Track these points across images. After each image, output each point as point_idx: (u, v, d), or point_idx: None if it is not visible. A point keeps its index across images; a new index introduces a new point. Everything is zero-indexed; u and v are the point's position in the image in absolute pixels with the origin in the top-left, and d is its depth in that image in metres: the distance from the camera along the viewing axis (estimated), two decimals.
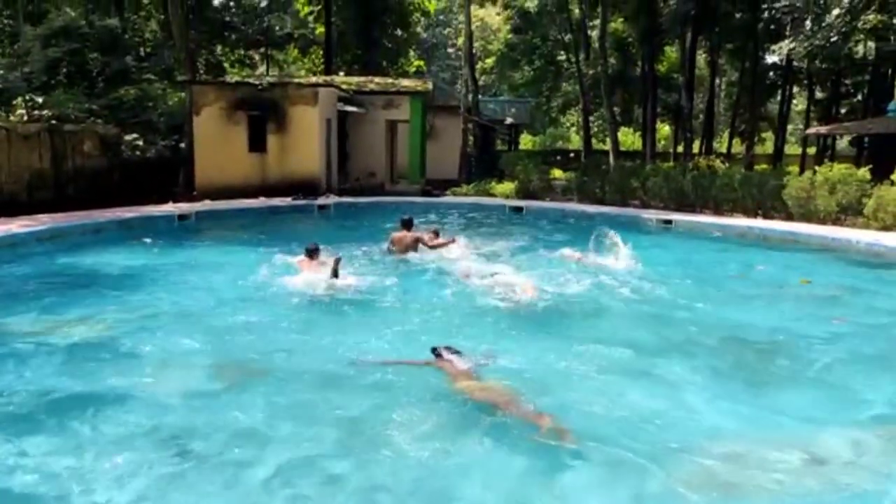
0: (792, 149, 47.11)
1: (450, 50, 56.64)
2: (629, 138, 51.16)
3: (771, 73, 37.74)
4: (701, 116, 39.81)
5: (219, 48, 33.89)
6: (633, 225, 15.72)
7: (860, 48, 33.39)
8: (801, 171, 18.42)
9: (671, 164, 24.35)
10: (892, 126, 22.68)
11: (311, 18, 37.34)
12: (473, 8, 36.01)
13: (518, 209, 17.70)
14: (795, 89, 41.12)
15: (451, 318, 7.90)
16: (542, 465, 4.53)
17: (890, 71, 31.93)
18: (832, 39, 21.60)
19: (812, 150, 34.47)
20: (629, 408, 5.43)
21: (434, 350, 6.08)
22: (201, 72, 28.94)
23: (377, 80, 25.64)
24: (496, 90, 51.10)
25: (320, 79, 24.87)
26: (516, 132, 45.19)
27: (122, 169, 18.92)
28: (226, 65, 34.03)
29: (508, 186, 20.72)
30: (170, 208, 15.40)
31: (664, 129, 49.76)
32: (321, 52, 36.02)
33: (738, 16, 31.38)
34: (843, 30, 21.31)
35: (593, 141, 40.86)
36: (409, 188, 22.46)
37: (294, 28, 35.89)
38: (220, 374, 5.99)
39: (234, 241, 11.54)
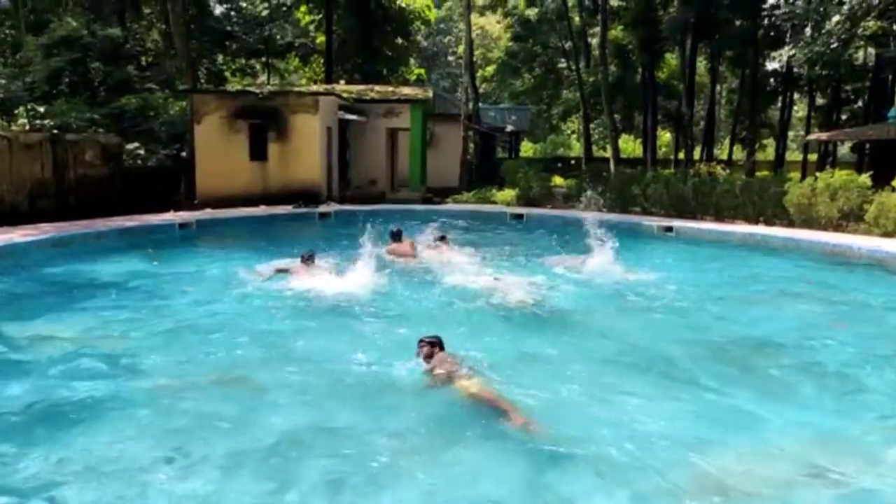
0: (793, 155, 47.18)
1: (450, 58, 56.79)
2: (630, 145, 51.25)
3: (771, 80, 37.78)
4: (702, 123, 39.86)
5: (220, 57, 34.01)
6: (634, 232, 15.71)
7: (860, 54, 33.46)
8: (803, 178, 18.41)
9: (672, 170, 24.39)
10: (893, 132, 22.68)
11: (311, 27, 37.46)
12: (474, 16, 36.15)
13: (519, 216, 17.69)
14: (796, 96, 41.18)
15: (448, 320, 7.93)
16: (539, 471, 4.52)
17: (890, 77, 31.99)
18: (832, 46, 21.66)
19: (813, 157, 34.53)
20: (628, 413, 5.42)
21: (421, 341, 6.04)
22: (202, 81, 29.05)
23: (378, 88, 25.70)
24: (497, 98, 51.21)
25: (321, 87, 24.94)
26: (517, 140, 45.26)
27: (123, 178, 18.97)
28: (227, 74, 34.16)
29: (509, 194, 20.73)
30: (171, 217, 15.41)
31: (665, 136, 49.85)
32: (322, 61, 36.10)
33: (737, 23, 31.45)
34: (843, 36, 21.37)
35: (594, 148, 40.96)
36: (409, 196, 22.47)
37: (295, 37, 36.01)
38: (221, 382, 5.98)
39: (235, 249, 11.54)
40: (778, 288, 10.36)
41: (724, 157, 40.50)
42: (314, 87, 25.06)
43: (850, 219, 15.29)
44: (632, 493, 4.26)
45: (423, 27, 42.53)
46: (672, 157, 39.79)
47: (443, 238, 12.14)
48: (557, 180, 25.86)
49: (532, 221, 17.30)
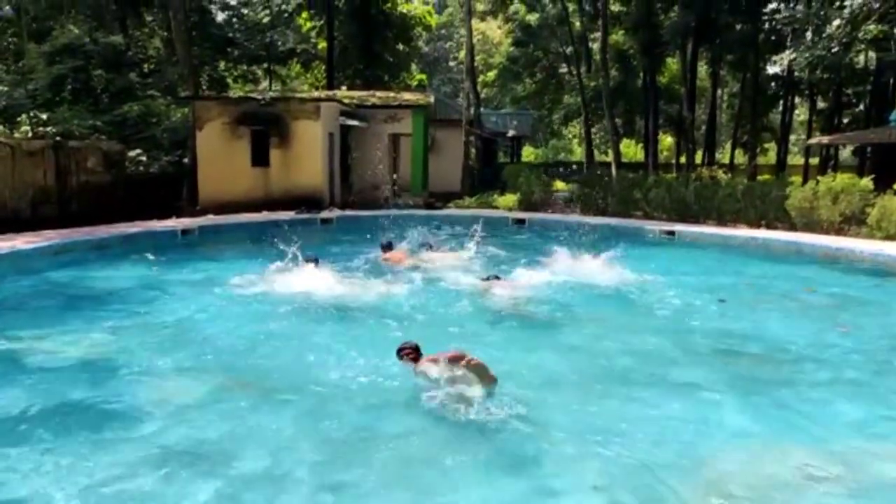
0: (794, 159, 47.22)
1: (451, 63, 56.93)
2: (631, 150, 51.33)
3: (772, 84, 37.86)
4: (703, 127, 39.91)
5: (221, 64, 34.14)
6: (636, 236, 15.71)
7: (861, 58, 33.49)
8: (804, 182, 18.40)
9: (674, 175, 24.38)
10: (894, 136, 22.68)
11: (313, 34, 37.60)
12: (475, 22, 36.24)
13: (521, 221, 17.69)
14: (797, 100, 41.23)
15: (446, 322, 7.98)
16: (542, 472, 4.52)
17: (891, 81, 32.01)
18: (833, 50, 21.69)
19: (815, 161, 34.52)
20: (627, 416, 5.42)
21: (402, 350, 6.03)
22: (204, 87, 29.13)
23: (379, 94, 25.75)
24: (498, 103, 51.31)
25: (322, 93, 25.00)
26: (518, 144, 45.32)
27: (125, 184, 19.01)
28: (228, 80, 34.28)
29: (511, 199, 20.73)
30: (173, 223, 15.42)
31: (666, 140, 49.88)
32: (323, 67, 36.23)
33: (738, 27, 31.53)
34: (844, 40, 21.40)
35: (595, 153, 41.03)
36: (411, 201, 22.49)
37: (296, 43, 36.14)
38: (223, 387, 5.98)
39: (237, 255, 11.55)
40: (780, 292, 10.34)
41: (726, 161, 40.54)
42: (316, 93, 25.12)
43: (851, 222, 15.26)
44: (631, 496, 4.25)
45: (424, 33, 42.71)
46: (674, 161, 39.87)
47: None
48: (559, 185, 25.86)
49: (534, 226, 17.31)
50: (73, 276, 10.57)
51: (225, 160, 19.50)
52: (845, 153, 39.15)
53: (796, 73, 32.14)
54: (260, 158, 19.62)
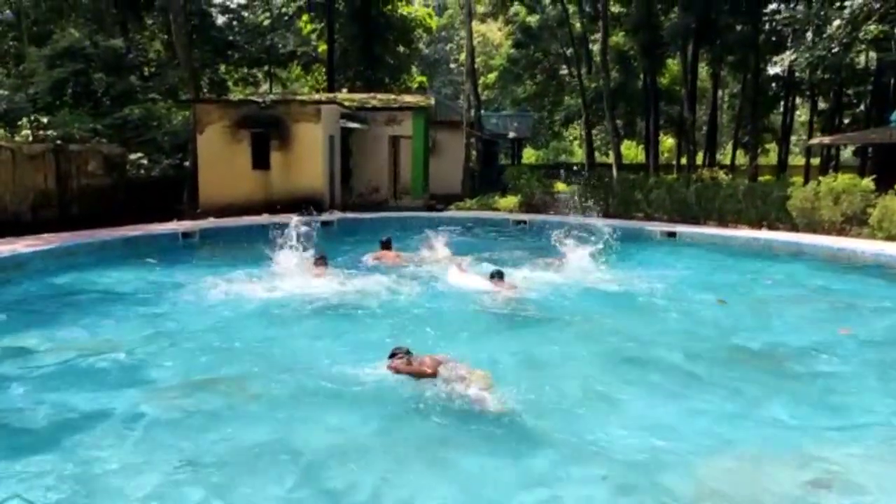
0: (795, 159, 47.19)
1: (452, 65, 56.95)
2: (632, 151, 51.32)
3: (773, 85, 37.83)
4: (704, 128, 39.90)
5: (222, 67, 34.19)
6: (637, 237, 15.69)
7: (861, 58, 33.47)
8: (806, 182, 18.37)
9: (675, 176, 24.36)
10: (895, 136, 22.65)
11: (313, 36, 37.63)
12: (475, 24, 36.26)
13: (522, 222, 17.68)
14: (798, 100, 41.21)
15: (443, 321, 8.04)
16: (534, 476, 4.52)
17: (892, 81, 31.99)
18: (833, 50, 21.67)
19: (816, 161, 34.50)
20: (628, 416, 5.43)
21: (394, 355, 6.01)
22: (205, 90, 29.17)
23: (380, 96, 25.76)
24: (499, 105, 51.32)
25: (323, 96, 25.01)
26: (519, 146, 45.33)
27: (126, 188, 19.01)
28: (229, 83, 34.35)
29: (512, 200, 20.72)
30: (174, 226, 15.40)
31: (667, 142, 49.87)
32: (324, 70, 36.25)
33: (738, 28, 31.52)
34: (845, 41, 21.38)
35: (596, 154, 41.02)
36: (412, 203, 22.48)
37: (297, 46, 36.18)
38: (225, 389, 5.97)
39: (238, 257, 11.55)
40: (781, 292, 10.33)
41: (727, 161, 40.53)
42: (316, 96, 25.14)
43: (853, 223, 15.24)
44: (631, 496, 4.23)
45: (424, 35, 42.71)
46: (674, 162, 39.83)
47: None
48: (560, 186, 25.84)
49: (535, 227, 17.28)
50: (73, 279, 10.55)
51: (226, 163, 19.49)
52: (846, 153, 39.11)
53: (797, 74, 32.15)
54: (260, 161, 19.61)
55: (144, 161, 21.19)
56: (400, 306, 8.73)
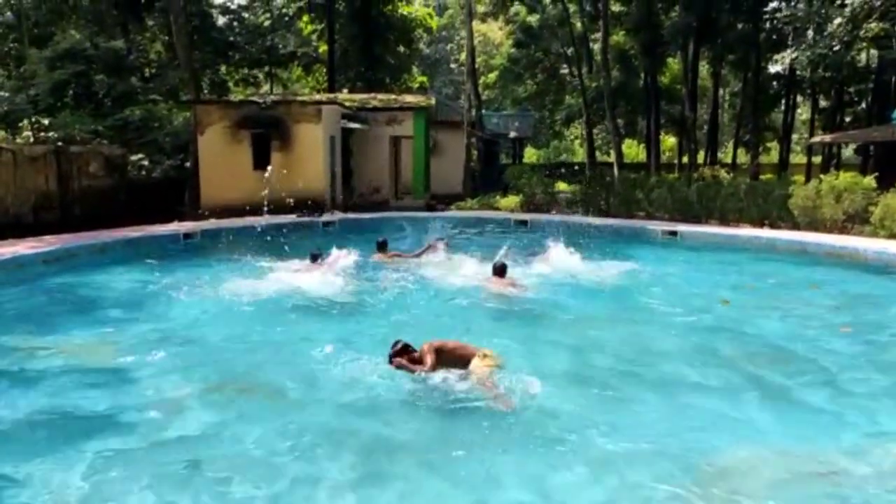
0: (797, 158, 47.16)
1: (452, 65, 56.95)
2: (633, 150, 51.28)
3: (774, 83, 37.77)
4: (705, 127, 39.86)
5: (223, 68, 34.18)
6: (639, 236, 15.69)
7: (862, 56, 33.44)
8: (807, 180, 18.36)
9: (676, 175, 24.33)
10: None
11: (314, 37, 37.63)
12: (475, 23, 36.26)
13: (523, 222, 17.65)
14: (799, 98, 41.17)
15: (441, 316, 8.11)
16: (546, 469, 4.53)
17: (893, 79, 31.94)
18: (834, 48, 21.63)
19: (817, 159, 34.50)
20: (626, 416, 5.43)
21: (394, 355, 5.98)
22: (205, 91, 29.18)
23: (380, 96, 25.75)
24: (499, 104, 51.28)
25: (324, 96, 25.00)
26: (520, 146, 45.29)
27: (127, 189, 19.02)
28: (230, 84, 34.35)
29: (513, 200, 20.69)
30: (175, 227, 15.41)
31: (668, 141, 49.84)
32: (324, 70, 36.25)
33: (739, 26, 31.48)
34: (846, 39, 21.34)
35: (597, 153, 40.95)
36: (413, 203, 22.48)
37: (297, 47, 36.19)
38: (228, 389, 5.98)
39: (239, 258, 11.57)
40: (783, 291, 10.32)
41: (728, 160, 40.50)
42: (317, 96, 25.13)
43: (855, 221, 15.20)
44: (633, 493, 4.23)
45: (424, 35, 42.70)
46: (676, 161, 39.80)
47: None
48: (561, 185, 25.81)
49: (537, 227, 17.26)
50: (75, 281, 10.56)
51: (226, 164, 19.48)
52: (848, 151, 39.04)
53: (798, 72, 32.09)
54: (261, 162, 19.60)
55: (145, 162, 21.21)
56: (399, 303, 8.73)
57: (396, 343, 6.02)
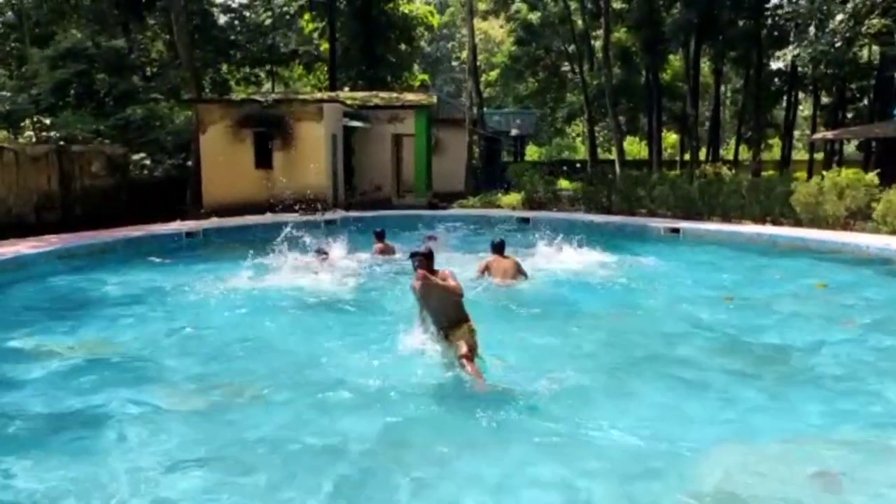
0: (799, 154, 47.07)
1: (454, 63, 56.90)
2: (635, 147, 51.20)
3: (776, 80, 37.69)
4: (707, 124, 39.82)
5: (224, 66, 34.18)
6: (641, 234, 15.67)
7: (864, 53, 33.36)
8: (809, 177, 18.34)
9: (678, 172, 24.30)
10: None
11: (315, 35, 37.62)
12: (476, 21, 36.20)
13: (525, 220, 17.64)
14: (801, 95, 41.07)
15: None
16: (546, 466, 4.52)
17: (895, 75, 31.87)
18: (836, 45, 21.60)
19: (819, 156, 34.44)
20: (628, 413, 5.41)
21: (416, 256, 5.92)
22: (207, 90, 29.18)
23: (382, 94, 25.75)
24: (501, 102, 51.23)
25: (325, 95, 24.99)
26: (522, 143, 45.26)
27: (129, 188, 19.03)
28: (231, 83, 34.36)
29: (515, 198, 20.69)
30: (177, 226, 15.42)
31: (670, 138, 49.78)
32: (326, 69, 36.24)
33: (741, 23, 31.43)
34: (847, 35, 21.31)
35: (599, 150, 40.93)
36: (415, 201, 22.47)
37: (298, 45, 36.18)
38: (231, 387, 5.96)
39: (242, 256, 11.57)
40: (786, 287, 10.29)
41: (730, 157, 40.42)
42: (318, 95, 25.11)
43: (857, 217, 15.18)
44: (635, 491, 4.23)
45: (426, 33, 42.68)
46: (678, 158, 39.78)
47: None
48: (563, 183, 25.82)
49: (539, 224, 17.25)
50: (77, 280, 10.56)
51: (228, 162, 19.50)
52: (850, 148, 38.96)
53: (800, 69, 32.00)
54: (263, 160, 19.63)
55: (147, 161, 21.22)
56: (399, 299, 8.70)
57: (427, 248, 5.94)
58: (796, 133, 45.09)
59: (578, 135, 55.19)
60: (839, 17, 21.06)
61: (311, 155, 19.51)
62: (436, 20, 42.17)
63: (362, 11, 34.82)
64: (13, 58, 27.91)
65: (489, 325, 6.93)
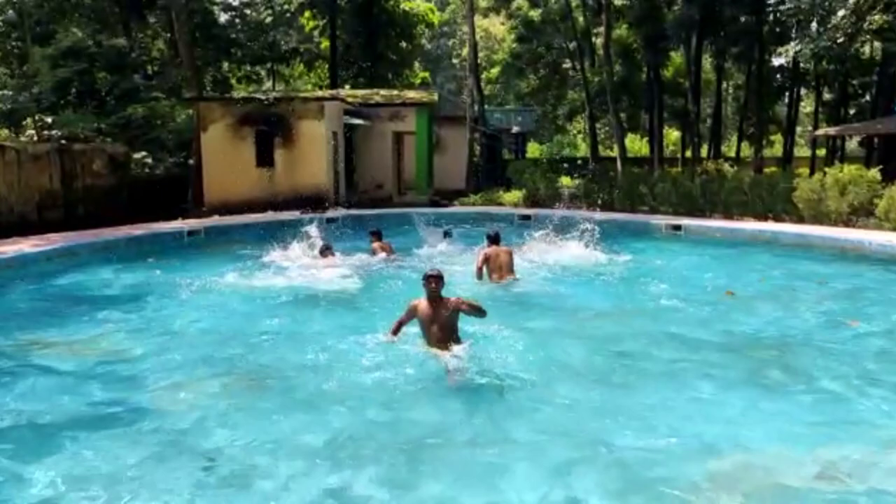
0: (801, 151, 46.95)
1: (455, 60, 56.76)
2: (637, 144, 51.09)
3: (778, 76, 37.60)
4: (708, 121, 39.74)
5: (225, 64, 34.12)
6: (643, 231, 15.65)
7: (866, 49, 33.28)
8: (811, 174, 18.27)
9: (679, 169, 24.26)
10: None
11: (316, 33, 37.54)
12: (477, 18, 36.16)
13: (526, 217, 17.61)
14: (803, 91, 40.98)
15: None
16: (548, 465, 4.50)
17: None
18: (838, 41, 21.54)
19: (821, 152, 34.36)
20: (631, 411, 5.39)
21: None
22: (208, 88, 29.16)
23: (383, 92, 25.70)
24: (502, 99, 51.16)
25: (326, 92, 24.95)
26: (523, 141, 45.19)
27: (131, 187, 19.01)
28: (232, 81, 34.28)
29: (516, 195, 20.67)
30: (179, 225, 15.43)
31: (672, 135, 49.69)
32: (326, 66, 36.19)
33: (742, 19, 31.35)
34: (849, 31, 21.24)
35: (600, 148, 40.86)
36: (416, 199, 22.45)
37: (299, 43, 36.09)
38: (233, 386, 5.96)
39: (243, 255, 11.58)
40: (788, 284, 10.27)
41: (732, 154, 40.34)
42: (319, 93, 25.08)
43: (860, 214, 15.13)
44: (637, 489, 4.22)
45: (426, 30, 42.59)
46: (679, 155, 39.68)
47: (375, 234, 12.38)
48: (565, 180, 25.77)
49: (540, 222, 17.23)
50: (79, 279, 10.57)
51: (229, 161, 19.49)
52: (852, 144, 38.91)
53: (802, 65, 31.97)
54: (264, 159, 19.61)
55: (149, 160, 21.18)
56: (399, 296, 8.70)
57: (438, 271, 6.36)
58: (798, 129, 44.96)
59: (580, 132, 55.06)
60: (841, 12, 21.01)
61: (313, 153, 19.50)
62: (436, 17, 42.06)
63: (363, 9, 34.76)
64: (14, 56, 27.89)
65: (489, 324, 6.93)
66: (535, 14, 39.65)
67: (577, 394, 5.76)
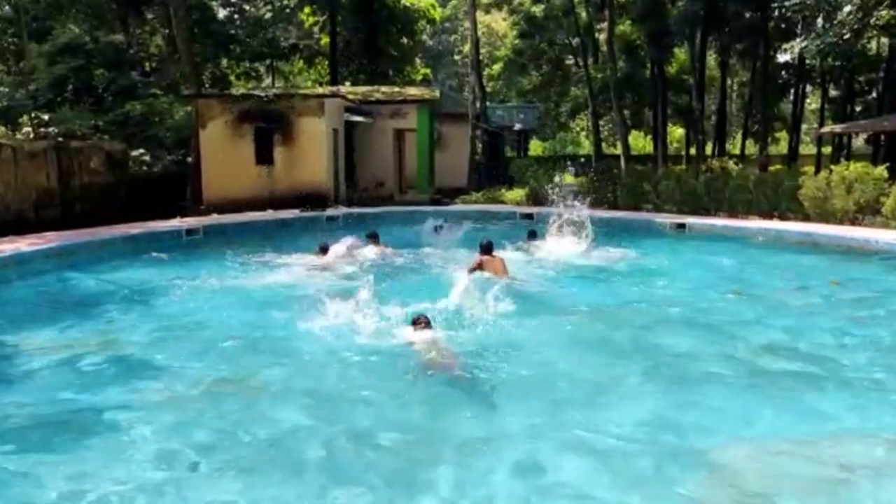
0: (806, 148, 46.78)
1: (456, 57, 56.58)
2: (640, 142, 50.98)
3: (783, 73, 37.40)
4: (713, 118, 39.54)
5: (224, 61, 33.98)
6: (647, 229, 15.52)
7: (873, 45, 33.07)
8: (817, 171, 18.12)
9: (684, 166, 24.09)
10: None
11: (315, 29, 37.38)
12: (479, 14, 35.98)
13: (528, 215, 17.47)
14: (808, 88, 40.78)
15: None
16: (558, 467, 4.44)
17: None
18: (844, 37, 21.31)
19: (827, 150, 34.12)
20: (634, 409, 5.36)
21: (415, 321, 6.55)
22: (207, 85, 29.00)
23: (383, 89, 25.55)
24: (504, 96, 50.97)
25: (326, 89, 24.81)
26: (525, 138, 45.06)
27: (129, 185, 18.88)
28: (231, 77, 34.14)
29: (518, 193, 20.53)
30: (177, 223, 15.30)
31: (676, 132, 49.48)
32: (327, 63, 36.07)
33: (747, 15, 31.09)
34: (856, 26, 21.03)
35: (604, 145, 40.63)
36: (417, 197, 22.31)
37: (299, 39, 35.94)
38: (234, 385, 5.93)
39: (243, 254, 11.52)
40: (794, 283, 10.20)
41: (737, 151, 40.20)
42: (319, 90, 24.95)
43: (866, 212, 15.00)
44: (640, 488, 4.14)
45: (427, 26, 42.41)
46: (683, 152, 39.52)
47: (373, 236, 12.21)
48: (568, 178, 25.60)
49: (542, 220, 17.09)
50: (76, 277, 10.52)
51: (228, 158, 19.35)
52: (858, 142, 38.68)
53: (807, 61, 31.76)
54: (264, 156, 19.47)
55: (147, 157, 21.04)
56: (400, 294, 8.60)
57: (425, 317, 6.59)
58: (804, 127, 44.80)
59: (583, 129, 54.91)
60: (847, 8, 20.80)
61: (313, 150, 19.35)
62: (438, 13, 41.86)
63: (363, 5, 34.60)
64: (10, 53, 27.78)
65: (489, 322, 6.87)
66: (537, 10, 39.41)
67: (578, 391, 5.74)
